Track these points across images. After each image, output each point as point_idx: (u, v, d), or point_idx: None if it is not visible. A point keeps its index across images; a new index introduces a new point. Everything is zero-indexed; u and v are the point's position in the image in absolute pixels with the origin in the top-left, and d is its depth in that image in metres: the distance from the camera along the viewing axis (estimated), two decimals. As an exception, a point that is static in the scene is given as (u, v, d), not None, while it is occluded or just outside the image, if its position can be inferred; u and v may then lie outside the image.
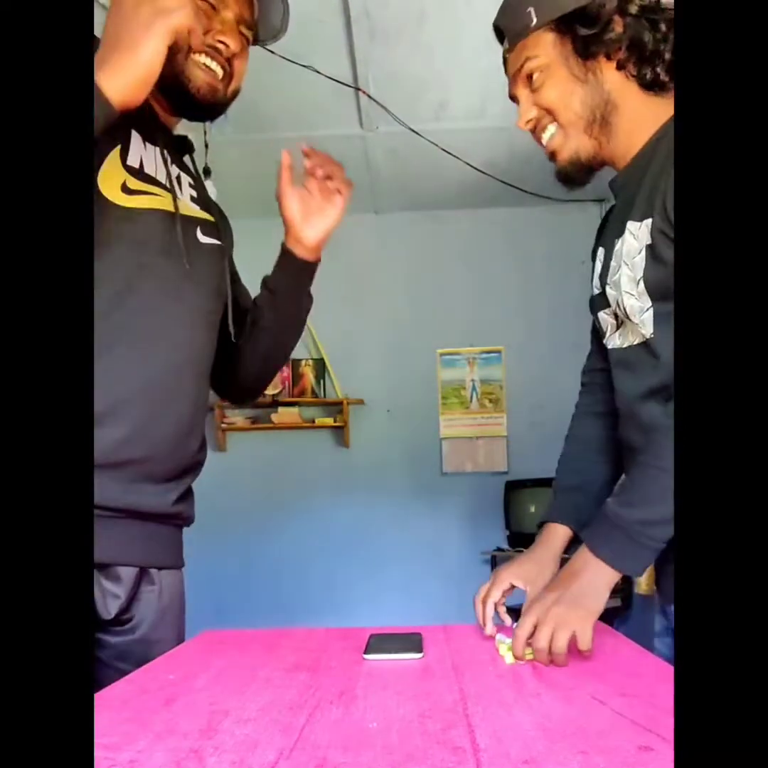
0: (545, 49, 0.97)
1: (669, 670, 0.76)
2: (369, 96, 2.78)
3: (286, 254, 1.14)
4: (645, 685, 0.71)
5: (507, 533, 3.71)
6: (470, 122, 3.04)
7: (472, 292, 3.97)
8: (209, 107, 1.03)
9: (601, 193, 3.87)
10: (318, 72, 2.60)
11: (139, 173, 0.98)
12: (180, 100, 1.01)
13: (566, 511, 1.08)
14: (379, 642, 0.90)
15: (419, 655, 0.85)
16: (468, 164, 3.34)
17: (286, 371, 3.90)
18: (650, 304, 0.93)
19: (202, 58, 0.99)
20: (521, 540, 3.58)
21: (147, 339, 0.96)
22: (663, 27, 0.93)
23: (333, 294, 3.91)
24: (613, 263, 1.00)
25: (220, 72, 1.01)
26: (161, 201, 1.00)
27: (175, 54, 0.97)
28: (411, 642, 0.89)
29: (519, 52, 1.00)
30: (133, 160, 0.98)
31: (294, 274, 1.15)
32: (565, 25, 0.95)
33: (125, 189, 0.96)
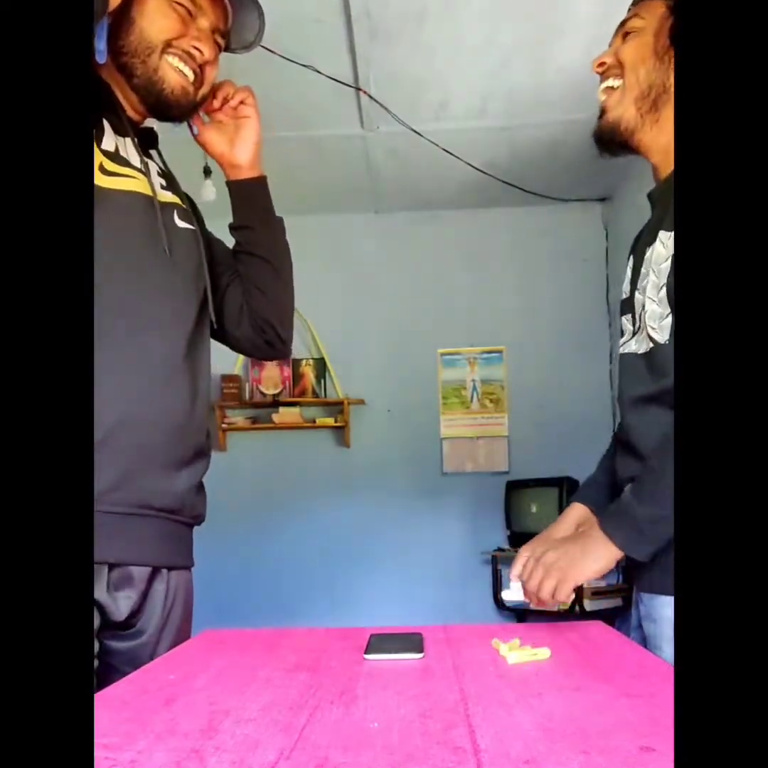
0: (651, 16, 1.03)
1: (671, 671, 0.75)
2: (370, 96, 2.78)
3: (234, 187, 1.15)
4: (647, 686, 0.71)
5: (508, 533, 3.71)
6: (471, 122, 3.04)
7: (473, 292, 3.96)
8: (180, 108, 1.06)
9: (603, 193, 3.87)
10: (318, 72, 2.60)
11: (115, 157, 0.99)
12: (152, 99, 1.04)
13: (583, 494, 1.21)
14: (380, 642, 0.90)
15: (420, 655, 0.85)
16: (469, 164, 3.34)
17: (286, 371, 3.90)
18: (669, 311, 0.96)
19: (176, 62, 1.02)
20: (522, 540, 3.55)
21: (132, 327, 0.96)
22: None
23: (333, 294, 3.92)
24: (643, 270, 1.04)
25: (191, 76, 1.04)
26: (138, 183, 1.01)
27: (151, 53, 1.00)
28: (411, 642, 0.89)
29: (635, 8, 1.07)
30: (107, 145, 0.99)
31: (251, 197, 1.16)
32: (677, 8, 0.99)
33: (103, 170, 0.97)
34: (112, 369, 0.93)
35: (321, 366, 3.95)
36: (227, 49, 1.12)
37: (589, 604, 3.29)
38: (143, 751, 0.55)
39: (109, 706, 0.68)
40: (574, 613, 3.26)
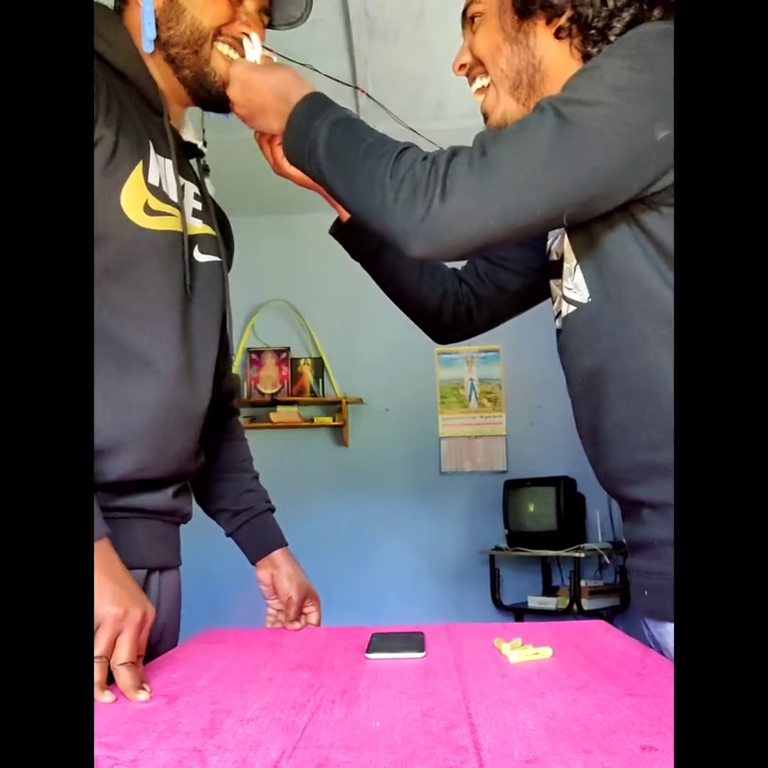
0: None
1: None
2: (368, 95, 2.78)
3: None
4: (650, 685, 0.71)
5: (506, 532, 3.71)
6: (469, 121, 3.00)
7: (471, 292, 3.96)
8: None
9: (600, 193, 3.86)
10: (317, 71, 2.59)
11: (158, 191, 0.95)
12: (204, 93, 1.00)
13: None
14: (381, 641, 0.90)
15: (421, 654, 0.85)
16: (467, 163, 3.34)
17: (284, 370, 3.90)
18: (575, 262, 0.87)
19: (226, 50, 0.98)
20: (521, 539, 3.57)
21: (156, 365, 0.94)
22: (611, 3, 0.84)
23: (331, 293, 3.92)
24: None
25: None
26: (174, 221, 0.96)
27: (202, 43, 0.96)
28: (413, 641, 0.89)
29: None
30: (153, 178, 0.94)
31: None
32: None
33: (147, 210, 0.93)
34: (126, 410, 0.91)
35: (319, 365, 3.95)
36: (270, 26, 1.06)
37: (586, 603, 3.29)
38: (145, 750, 0.55)
39: (111, 706, 0.68)
40: (571, 612, 3.26)
